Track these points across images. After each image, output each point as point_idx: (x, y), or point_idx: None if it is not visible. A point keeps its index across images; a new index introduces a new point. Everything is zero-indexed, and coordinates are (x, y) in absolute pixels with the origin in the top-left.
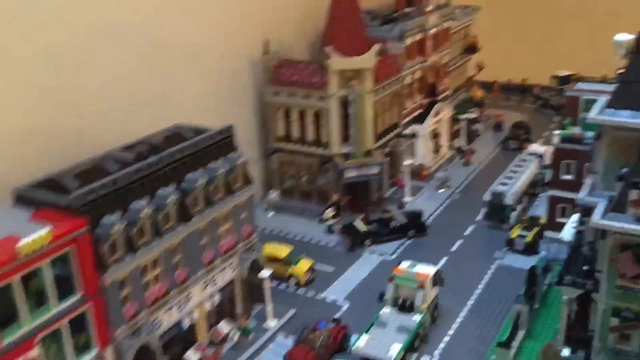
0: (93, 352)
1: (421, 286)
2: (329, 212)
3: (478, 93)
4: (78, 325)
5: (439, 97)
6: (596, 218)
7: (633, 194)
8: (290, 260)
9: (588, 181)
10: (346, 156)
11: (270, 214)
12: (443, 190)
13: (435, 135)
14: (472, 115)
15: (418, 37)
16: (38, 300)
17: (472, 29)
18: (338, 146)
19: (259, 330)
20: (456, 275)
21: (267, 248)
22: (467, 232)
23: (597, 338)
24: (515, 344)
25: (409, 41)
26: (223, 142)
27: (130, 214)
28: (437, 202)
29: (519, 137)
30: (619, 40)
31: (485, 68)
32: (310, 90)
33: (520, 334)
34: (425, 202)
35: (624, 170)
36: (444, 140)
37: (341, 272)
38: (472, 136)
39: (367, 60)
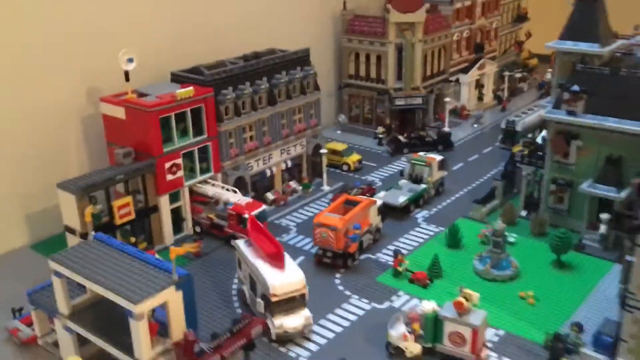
0: (210, 174)
1: (428, 165)
2: (381, 129)
3: (533, 61)
4: (202, 156)
5: (485, 55)
6: (542, 113)
7: (565, 95)
8: (344, 153)
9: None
10: (398, 90)
11: (339, 131)
12: (477, 125)
13: (479, 85)
14: (517, 74)
15: (467, 3)
16: (183, 132)
17: (524, 1)
18: (392, 82)
19: (316, 191)
20: (465, 174)
21: (329, 144)
22: (484, 151)
23: (543, 201)
24: (488, 206)
25: (458, 5)
26: (301, 59)
27: (238, 92)
28: (468, 133)
29: None
30: None
31: (532, 36)
32: (374, 38)
33: (495, 202)
34: (460, 132)
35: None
36: (488, 90)
37: (382, 167)
38: (515, 92)
39: (419, 15)
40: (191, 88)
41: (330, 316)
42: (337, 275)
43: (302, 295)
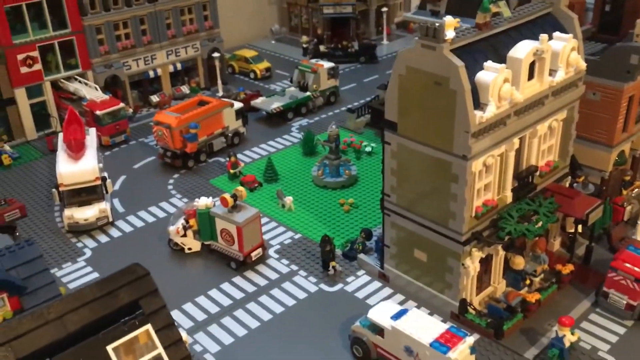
0: (78, 70)
1: (314, 72)
2: (305, 38)
3: None
4: (69, 51)
5: None
6: (406, 14)
7: None
8: (253, 60)
9: None
10: None
11: (273, 41)
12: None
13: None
14: None
15: None
16: (41, 24)
17: None
18: None
19: (212, 94)
20: (373, 85)
21: (239, 50)
22: None
23: None
24: (367, 117)
25: None
26: None
27: None
28: (408, 46)
29: None
30: None
31: None
32: None
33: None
34: (397, 46)
35: None
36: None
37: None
38: None
39: None
40: None
41: (141, 212)
42: (175, 175)
43: (97, 187)
